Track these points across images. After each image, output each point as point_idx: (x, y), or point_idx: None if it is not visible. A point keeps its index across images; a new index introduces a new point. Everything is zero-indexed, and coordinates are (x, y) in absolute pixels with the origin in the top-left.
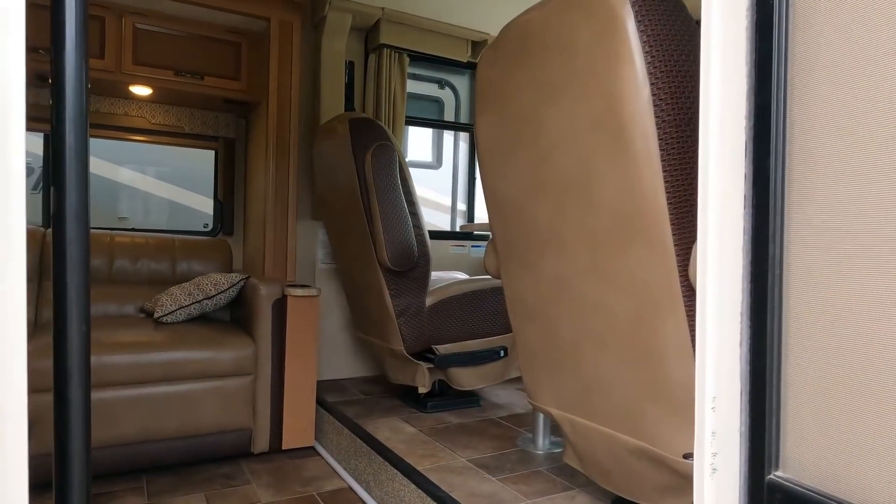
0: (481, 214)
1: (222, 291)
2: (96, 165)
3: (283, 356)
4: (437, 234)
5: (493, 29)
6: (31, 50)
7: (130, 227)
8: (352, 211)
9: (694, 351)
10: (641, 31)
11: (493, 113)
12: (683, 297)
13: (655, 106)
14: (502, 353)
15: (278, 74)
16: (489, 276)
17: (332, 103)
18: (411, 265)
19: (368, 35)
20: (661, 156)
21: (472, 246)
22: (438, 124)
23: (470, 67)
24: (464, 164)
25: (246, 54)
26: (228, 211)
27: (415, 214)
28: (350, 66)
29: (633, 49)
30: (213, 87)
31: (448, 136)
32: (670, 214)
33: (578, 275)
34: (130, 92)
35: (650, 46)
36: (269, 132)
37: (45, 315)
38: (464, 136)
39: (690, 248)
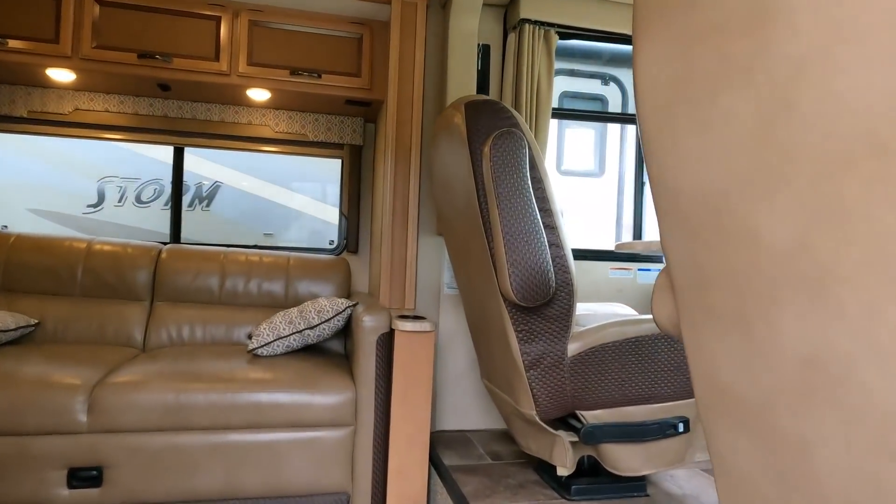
0: (653, 230)
1: (326, 321)
2: (237, 179)
3: (388, 404)
4: (591, 254)
5: None
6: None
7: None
8: (469, 225)
9: None
10: None
11: (668, 35)
12: None
13: None
14: (681, 428)
15: (399, 65)
16: None
17: (460, 94)
18: (546, 299)
19: (508, 11)
20: None
21: (640, 269)
22: (594, 116)
23: None
24: (631, 168)
25: (368, 47)
26: (353, 226)
27: (552, 228)
28: (484, 50)
29: None
30: (332, 86)
31: (612, 135)
32: None
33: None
34: (248, 98)
35: None
36: (387, 133)
37: (154, 339)
38: (631, 134)
39: None
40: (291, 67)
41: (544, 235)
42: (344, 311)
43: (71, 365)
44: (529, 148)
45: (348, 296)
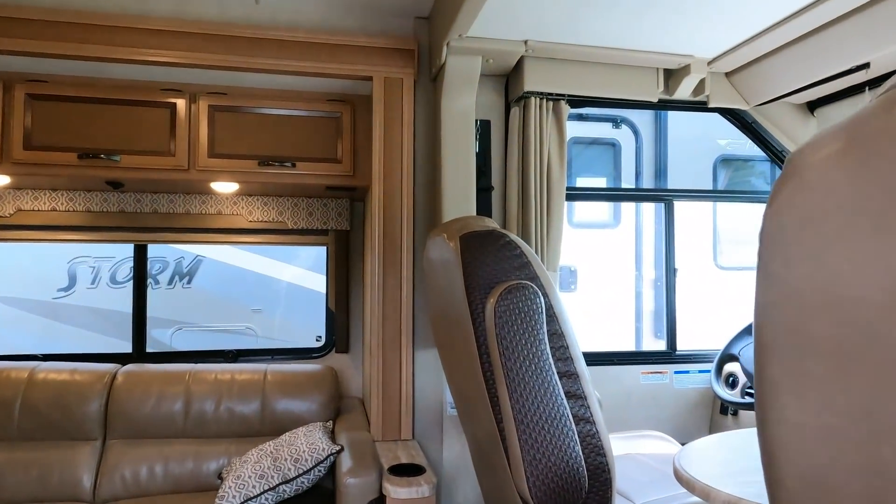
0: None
1: (304, 473)
2: (220, 251)
3: None
4: (618, 357)
5: (697, 49)
6: None
7: (249, 351)
8: (470, 375)
9: None
10: None
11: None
12: None
13: None
14: None
15: (384, 149)
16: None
17: (457, 181)
18: (577, 500)
19: (509, 81)
20: None
21: (677, 372)
22: (617, 195)
23: (662, 107)
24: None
25: (348, 127)
26: (343, 321)
27: (578, 398)
28: (483, 127)
29: None
30: (308, 175)
31: (629, 174)
32: None
33: None
34: (214, 189)
35: None
36: (374, 228)
37: (106, 487)
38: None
39: None
40: (259, 157)
41: (569, 416)
42: (325, 459)
43: None
44: (546, 295)
45: (336, 410)
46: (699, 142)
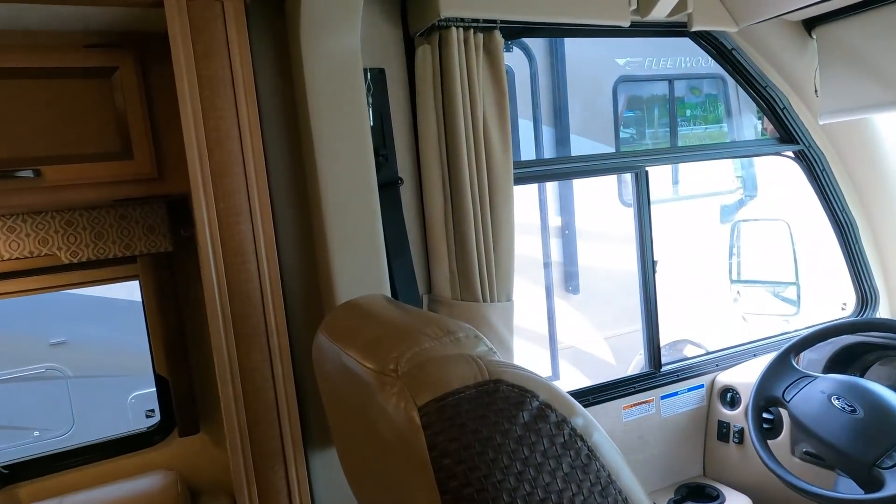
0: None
1: None
2: None
3: None
4: (593, 393)
5: None
6: None
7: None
8: None
9: None
10: None
11: None
12: None
13: None
14: None
15: (205, 128)
16: None
17: (342, 174)
18: None
19: (408, 4)
20: None
21: (664, 397)
22: (577, 170)
23: (633, 33)
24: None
25: (133, 94)
26: (183, 390)
27: None
28: (376, 80)
29: None
30: (70, 187)
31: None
32: None
33: None
34: None
35: None
36: (208, 270)
37: None
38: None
39: None
40: None
41: None
42: None
43: None
44: None
45: None
46: (598, 63)
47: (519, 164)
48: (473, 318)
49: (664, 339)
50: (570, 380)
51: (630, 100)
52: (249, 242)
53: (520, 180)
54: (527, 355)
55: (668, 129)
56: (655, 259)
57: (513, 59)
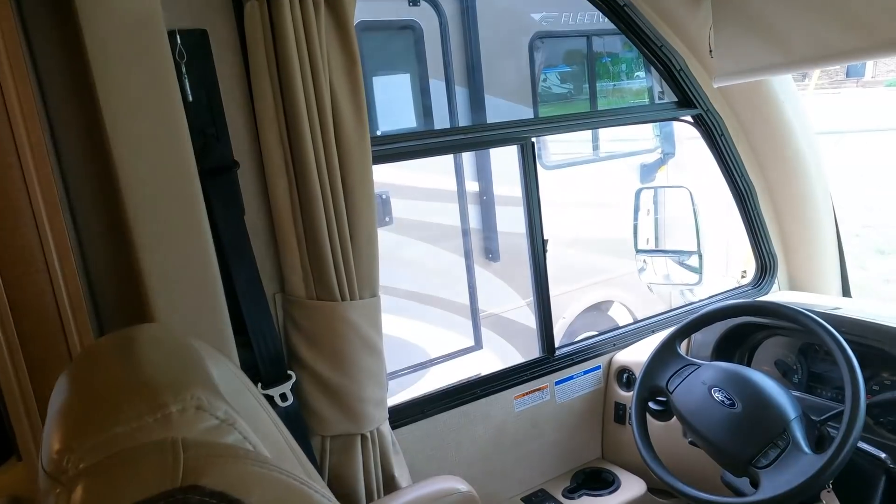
0: None
1: None
2: None
3: None
4: (482, 385)
5: None
6: None
7: None
8: None
9: None
10: None
11: None
12: None
13: None
14: None
15: None
16: None
17: (147, 161)
18: None
19: None
20: None
21: (559, 382)
22: (437, 146)
23: None
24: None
25: None
26: None
27: None
28: (195, 45)
29: None
30: None
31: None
32: None
33: None
34: None
35: None
36: None
37: None
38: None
39: None
40: None
41: None
42: None
43: None
44: None
45: None
46: (512, 18)
47: (382, 140)
48: (331, 320)
49: (590, 299)
50: (494, 347)
51: (568, 54)
52: (35, 250)
53: (383, 158)
54: (450, 326)
55: (611, 84)
56: (546, 238)
57: (422, 13)
